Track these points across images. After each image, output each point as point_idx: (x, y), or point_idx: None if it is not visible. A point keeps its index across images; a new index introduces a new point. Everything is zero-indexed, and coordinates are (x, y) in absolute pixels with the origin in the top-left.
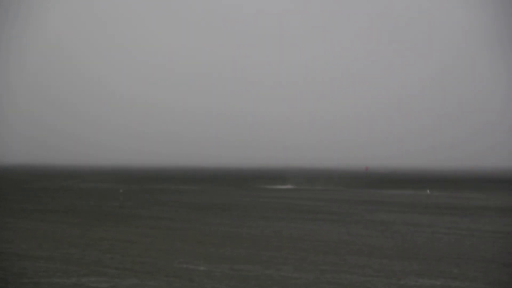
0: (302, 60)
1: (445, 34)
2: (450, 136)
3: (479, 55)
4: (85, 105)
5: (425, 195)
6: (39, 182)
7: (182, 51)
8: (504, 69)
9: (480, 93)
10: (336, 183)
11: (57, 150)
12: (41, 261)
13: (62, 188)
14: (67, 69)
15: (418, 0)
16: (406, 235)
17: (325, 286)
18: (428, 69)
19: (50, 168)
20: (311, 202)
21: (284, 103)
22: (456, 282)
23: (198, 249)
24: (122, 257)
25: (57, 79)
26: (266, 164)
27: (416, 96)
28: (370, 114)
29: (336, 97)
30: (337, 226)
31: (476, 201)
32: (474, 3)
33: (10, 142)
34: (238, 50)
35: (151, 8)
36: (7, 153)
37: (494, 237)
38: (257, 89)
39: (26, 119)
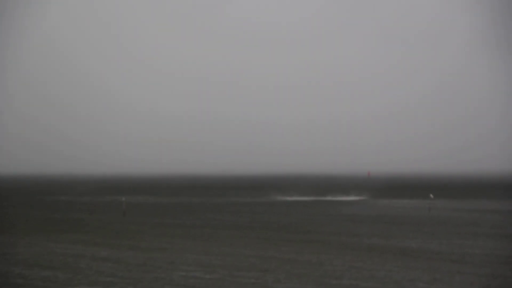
0: (305, 65)
1: (447, 42)
2: (447, 143)
3: (479, 62)
4: (84, 109)
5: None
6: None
7: (184, 56)
8: (504, 73)
9: (481, 100)
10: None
11: (56, 156)
12: None
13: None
14: (68, 71)
15: (425, 8)
16: None
17: None
18: (430, 77)
19: (53, 178)
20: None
21: (284, 108)
22: None
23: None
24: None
25: (57, 81)
26: (266, 171)
27: (416, 103)
28: (371, 120)
29: (337, 103)
30: None
31: None
32: (475, 9)
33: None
34: (240, 55)
35: (154, 13)
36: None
37: None
38: (259, 94)
39: (22, 123)
